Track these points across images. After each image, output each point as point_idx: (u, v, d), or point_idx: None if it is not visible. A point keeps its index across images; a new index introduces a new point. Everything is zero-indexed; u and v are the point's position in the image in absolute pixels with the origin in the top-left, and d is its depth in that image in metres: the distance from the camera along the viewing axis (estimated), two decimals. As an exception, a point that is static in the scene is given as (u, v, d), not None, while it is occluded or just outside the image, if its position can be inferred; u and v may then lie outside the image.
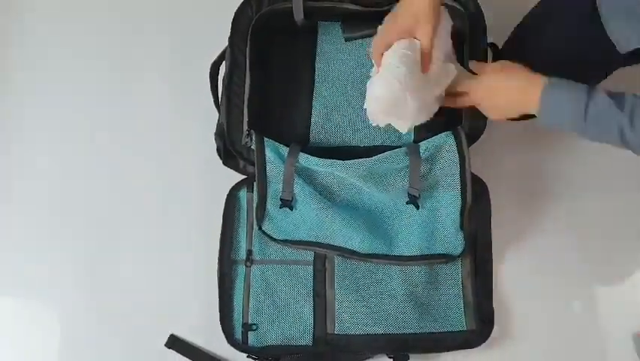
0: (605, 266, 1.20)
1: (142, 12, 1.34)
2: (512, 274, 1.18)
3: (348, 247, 1.07)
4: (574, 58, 0.97)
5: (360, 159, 1.03)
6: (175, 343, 1.16)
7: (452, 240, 1.04)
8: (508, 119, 0.92)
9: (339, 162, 1.04)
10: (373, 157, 1.03)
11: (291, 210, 1.08)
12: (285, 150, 1.06)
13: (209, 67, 1.10)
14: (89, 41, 1.33)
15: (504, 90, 0.88)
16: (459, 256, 1.05)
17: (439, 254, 1.05)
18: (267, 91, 1.15)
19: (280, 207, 1.08)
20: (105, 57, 1.32)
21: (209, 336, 1.14)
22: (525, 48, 1.04)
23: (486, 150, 1.13)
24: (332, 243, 1.07)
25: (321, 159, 1.04)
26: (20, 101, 1.30)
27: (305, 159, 1.05)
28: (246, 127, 1.06)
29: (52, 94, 1.30)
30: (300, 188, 1.07)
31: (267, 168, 1.07)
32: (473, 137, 1.06)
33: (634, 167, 1.22)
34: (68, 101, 1.30)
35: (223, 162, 1.14)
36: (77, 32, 1.33)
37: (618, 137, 0.78)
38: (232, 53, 1.06)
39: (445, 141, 1.03)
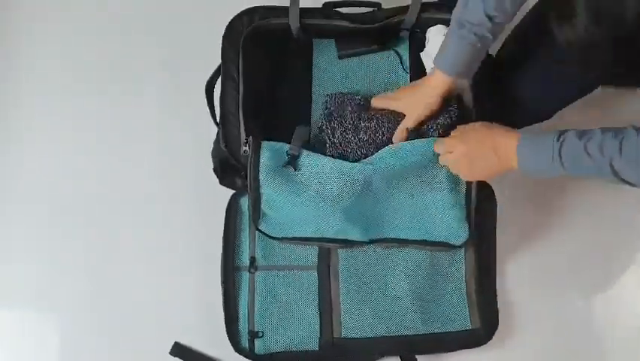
0: (609, 266, 1.21)
1: (145, 22, 1.36)
2: (516, 273, 1.19)
3: (347, 238, 1.06)
4: (553, 94, 1.02)
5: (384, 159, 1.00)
6: (180, 351, 1.16)
7: (456, 229, 1.03)
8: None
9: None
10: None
11: (295, 170, 1.02)
12: (286, 146, 1.02)
13: (205, 85, 1.10)
14: (92, 47, 1.35)
15: (480, 156, 0.89)
16: (461, 246, 1.04)
17: (441, 242, 1.04)
18: (266, 103, 1.15)
19: (286, 165, 1.02)
20: (110, 62, 1.34)
21: (215, 343, 1.14)
22: (504, 88, 1.07)
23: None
24: (329, 236, 1.06)
25: (346, 163, 1.00)
26: (19, 105, 1.32)
27: (329, 162, 1.01)
28: (243, 136, 1.05)
29: (54, 101, 1.32)
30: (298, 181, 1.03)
31: (261, 170, 1.02)
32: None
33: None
34: (72, 107, 1.32)
35: (220, 182, 1.15)
36: (79, 41, 1.36)
37: (607, 171, 0.76)
38: (225, 67, 1.07)
39: None
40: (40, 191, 1.27)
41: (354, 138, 1.02)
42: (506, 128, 0.88)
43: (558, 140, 0.78)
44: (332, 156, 1.02)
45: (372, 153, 1.01)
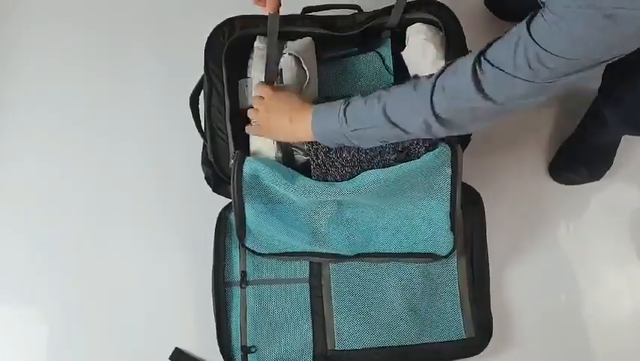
0: (605, 272, 1.20)
1: (145, 22, 1.35)
2: (510, 281, 1.18)
3: (334, 252, 1.06)
4: None
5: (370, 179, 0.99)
6: (180, 356, 1.17)
7: (441, 240, 1.04)
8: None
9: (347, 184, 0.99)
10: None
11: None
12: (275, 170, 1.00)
13: (189, 98, 1.08)
14: (92, 47, 1.33)
15: (276, 115, 0.95)
16: (447, 256, 1.05)
17: (427, 253, 1.05)
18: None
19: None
20: (105, 67, 1.32)
21: (215, 352, 1.13)
22: None
23: (485, 161, 1.14)
24: (317, 250, 1.06)
25: (326, 186, 0.99)
26: (11, 103, 1.31)
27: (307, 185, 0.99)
28: (232, 150, 1.04)
29: (52, 102, 1.31)
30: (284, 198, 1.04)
31: (244, 185, 1.01)
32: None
33: (633, 177, 1.23)
34: (68, 107, 1.31)
35: (213, 190, 1.12)
36: (78, 41, 1.34)
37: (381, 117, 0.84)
38: (209, 80, 1.05)
39: (441, 151, 0.99)
40: (38, 193, 1.26)
41: (338, 158, 0.99)
42: (302, 102, 0.94)
43: (345, 103, 0.88)
44: (317, 177, 1.00)
45: (357, 172, 0.99)
